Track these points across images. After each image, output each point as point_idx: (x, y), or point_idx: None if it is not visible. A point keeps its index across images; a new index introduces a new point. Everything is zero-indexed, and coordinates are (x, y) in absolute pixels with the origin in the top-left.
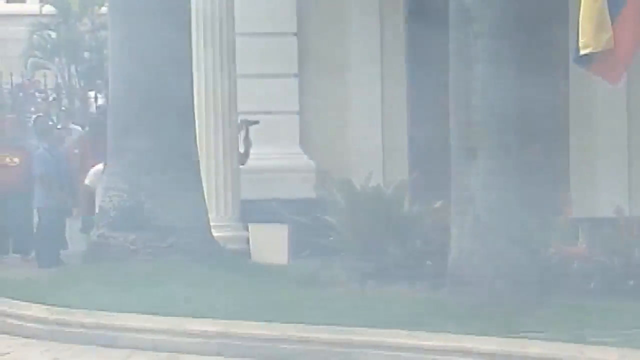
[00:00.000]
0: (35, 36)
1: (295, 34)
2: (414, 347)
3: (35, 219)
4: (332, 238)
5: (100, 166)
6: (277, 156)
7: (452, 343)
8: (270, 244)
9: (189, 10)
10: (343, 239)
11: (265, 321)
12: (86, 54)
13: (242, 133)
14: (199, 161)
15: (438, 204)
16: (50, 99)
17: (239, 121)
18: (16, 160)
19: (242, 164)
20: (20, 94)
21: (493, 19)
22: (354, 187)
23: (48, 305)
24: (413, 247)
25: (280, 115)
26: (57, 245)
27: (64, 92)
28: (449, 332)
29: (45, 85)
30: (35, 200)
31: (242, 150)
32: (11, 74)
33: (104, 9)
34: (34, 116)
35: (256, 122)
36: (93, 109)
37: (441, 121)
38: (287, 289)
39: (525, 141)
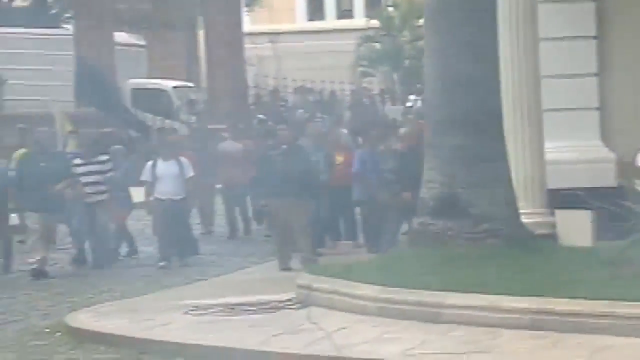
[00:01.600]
0: (362, 48)
1: (595, 37)
2: None
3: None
4: (633, 222)
5: None
6: (580, 149)
7: None
8: (576, 228)
9: (496, 15)
10: None
11: (573, 298)
12: (406, 62)
13: None
14: (507, 154)
15: None
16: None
17: None
18: (340, 158)
19: None
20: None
21: None
22: None
23: (377, 285)
24: None
25: (581, 111)
26: (387, 234)
27: (387, 96)
28: None
29: (371, 91)
30: (354, 194)
31: None
32: (341, 83)
33: (422, 21)
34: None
35: None
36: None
37: None
38: (593, 268)
39: None
